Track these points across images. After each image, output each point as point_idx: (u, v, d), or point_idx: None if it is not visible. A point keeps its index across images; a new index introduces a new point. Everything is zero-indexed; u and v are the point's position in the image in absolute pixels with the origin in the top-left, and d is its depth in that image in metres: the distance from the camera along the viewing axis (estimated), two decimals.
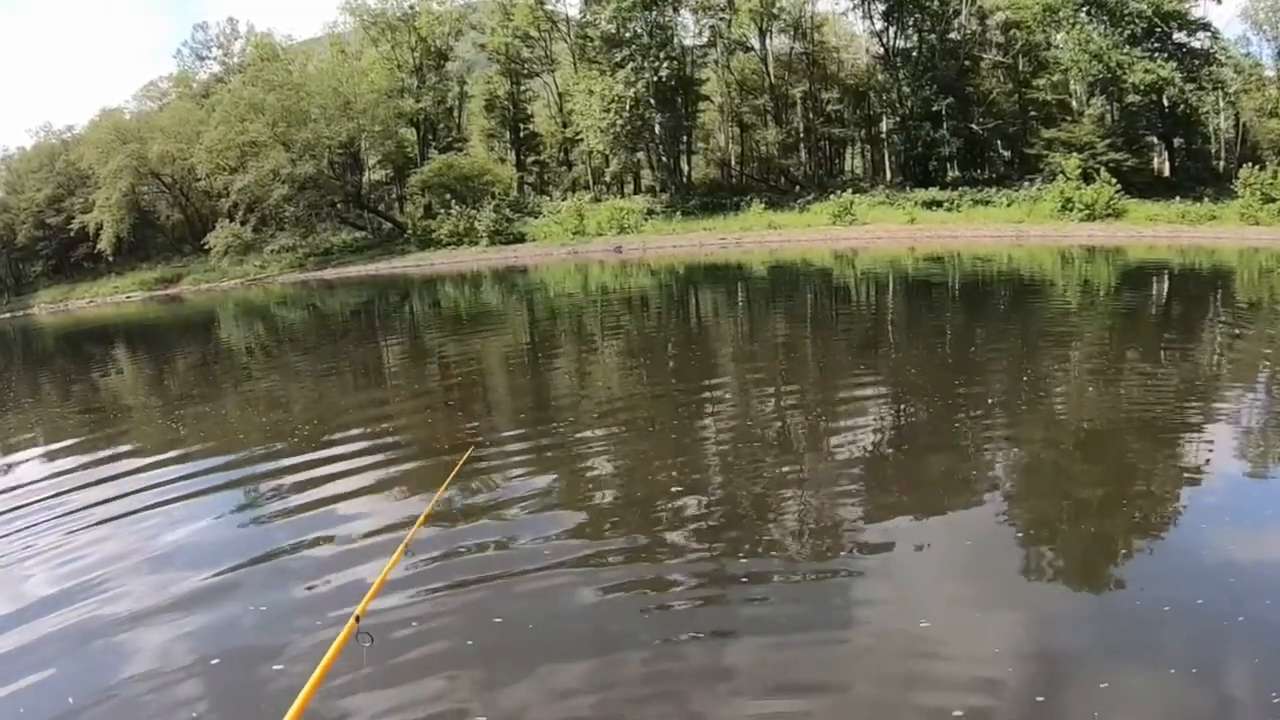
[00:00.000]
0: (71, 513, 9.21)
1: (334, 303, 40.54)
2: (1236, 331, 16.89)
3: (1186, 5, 48.59)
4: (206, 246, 64.51)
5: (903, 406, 11.64)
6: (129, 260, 73.06)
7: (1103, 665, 4.89)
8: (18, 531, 8.78)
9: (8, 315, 66.92)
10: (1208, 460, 8.48)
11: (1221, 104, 52.13)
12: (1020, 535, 6.95)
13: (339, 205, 67.48)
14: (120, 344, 33.95)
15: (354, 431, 12.12)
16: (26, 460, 12.71)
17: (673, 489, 8.54)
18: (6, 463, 12.63)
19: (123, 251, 72.16)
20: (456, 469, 6.09)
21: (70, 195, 74.85)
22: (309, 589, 6.63)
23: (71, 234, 73.78)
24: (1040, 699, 4.60)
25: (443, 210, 58.92)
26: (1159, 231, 40.35)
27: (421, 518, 4.99)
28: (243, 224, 64.03)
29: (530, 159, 71.03)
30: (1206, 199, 42.88)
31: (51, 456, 12.72)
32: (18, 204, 78.92)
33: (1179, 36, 49.34)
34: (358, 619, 3.73)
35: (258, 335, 30.17)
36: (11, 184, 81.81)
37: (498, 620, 5.89)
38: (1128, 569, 6.30)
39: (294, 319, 35.72)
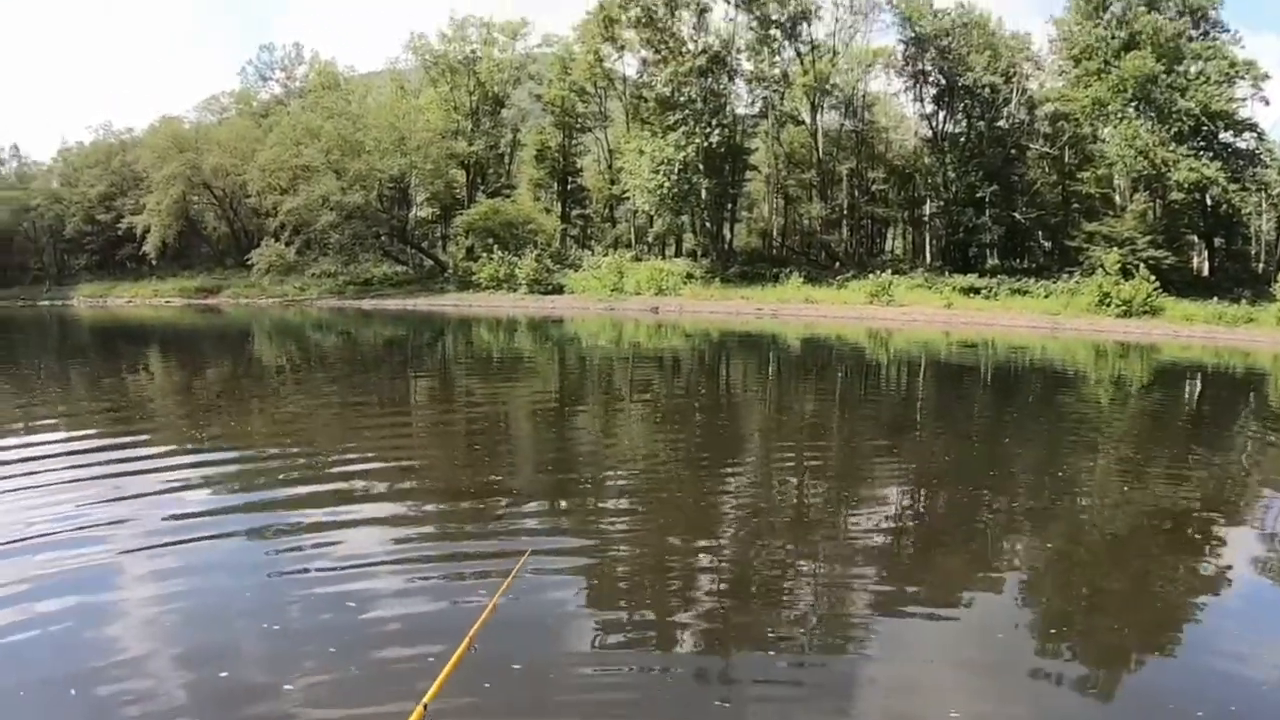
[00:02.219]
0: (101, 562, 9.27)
1: (368, 333, 40.85)
2: (1269, 439, 16.73)
3: (1234, 105, 48.86)
4: (249, 262, 65.43)
5: (928, 493, 11.59)
6: (171, 266, 74.23)
7: None
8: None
9: (46, 303, 68.14)
10: (1231, 569, 8.36)
11: (1264, 205, 52.16)
12: (1044, 632, 6.86)
13: (383, 238, 68.30)
14: (157, 345, 34.36)
15: (380, 483, 12.15)
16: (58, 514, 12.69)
17: (689, 572, 8.43)
18: (41, 491, 12.29)
19: (166, 256, 73.42)
20: (515, 571, 5.94)
21: (122, 195, 76.51)
22: (369, 670, 6.06)
23: (119, 233, 75.26)
24: None
25: (485, 254, 59.54)
26: (1195, 331, 40.13)
27: (485, 613, 4.85)
28: (287, 245, 64.93)
29: (575, 212, 71.76)
30: (1244, 301, 42.76)
31: (79, 468, 12.68)
32: (70, 196, 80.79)
33: (1225, 136, 49.68)
34: (425, 707, 3.60)
35: (290, 357, 30.41)
36: (66, 176, 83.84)
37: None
38: (1153, 678, 6.24)
39: (327, 343, 36.02)
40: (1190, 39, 49.59)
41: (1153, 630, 6.91)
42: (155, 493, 10.29)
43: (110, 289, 73.62)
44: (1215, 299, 43.50)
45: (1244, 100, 49.71)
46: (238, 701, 5.53)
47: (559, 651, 6.42)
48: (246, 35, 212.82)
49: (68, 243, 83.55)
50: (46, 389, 20.54)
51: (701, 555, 8.76)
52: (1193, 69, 48.79)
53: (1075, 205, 54.79)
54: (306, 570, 7.84)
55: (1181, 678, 6.14)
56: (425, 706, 3.59)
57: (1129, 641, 6.70)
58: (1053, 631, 6.88)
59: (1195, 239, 53.12)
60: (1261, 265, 51.63)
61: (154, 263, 73.48)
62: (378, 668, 6.01)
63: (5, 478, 10.82)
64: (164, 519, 9.18)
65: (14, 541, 8.33)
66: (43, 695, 5.62)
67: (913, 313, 46.83)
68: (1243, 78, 49.33)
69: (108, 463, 11.84)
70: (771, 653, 6.41)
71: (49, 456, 12.21)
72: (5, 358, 28.82)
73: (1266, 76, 49.84)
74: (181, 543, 8.46)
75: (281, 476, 11.50)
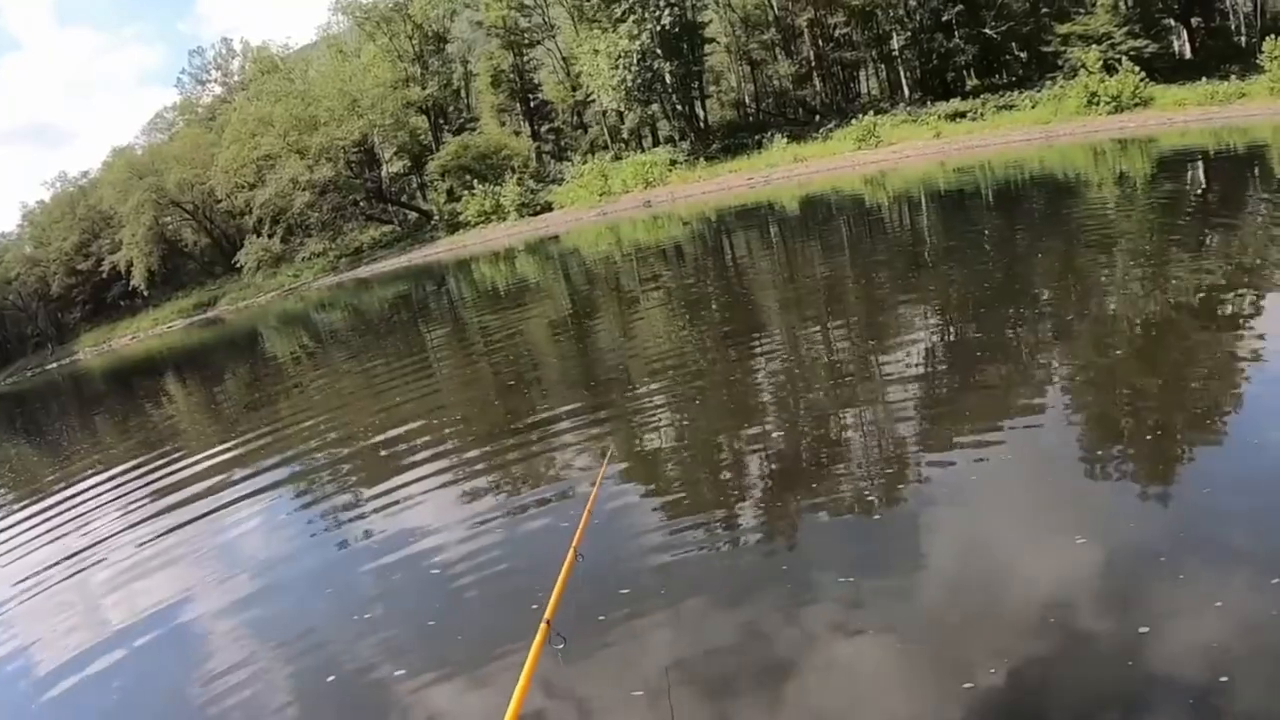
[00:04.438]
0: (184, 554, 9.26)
1: (371, 299, 40.73)
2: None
3: None
4: (238, 265, 65.22)
5: (956, 328, 11.40)
6: (164, 291, 74.11)
7: (1200, 579, 4.68)
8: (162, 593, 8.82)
9: (55, 365, 67.86)
10: (1263, 347, 8.01)
11: None
12: (1094, 445, 6.70)
13: (362, 203, 67.78)
14: (169, 373, 34.42)
15: (418, 431, 12.07)
16: (127, 515, 12.72)
17: (740, 444, 8.49)
18: (121, 516, 12.18)
19: (157, 284, 73.23)
20: (603, 470, 6.16)
21: (96, 239, 76.22)
22: (484, 597, 6.47)
23: (103, 275, 75.12)
24: (1144, 630, 4.35)
25: (466, 192, 58.84)
26: (1189, 115, 39.05)
27: (583, 520, 5.01)
28: (270, 237, 64.64)
29: (544, 128, 70.70)
30: (1233, 77, 41.37)
31: (131, 504, 12.68)
32: (46, 256, 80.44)
33: None
34: (549, 623, 3.67)
35: (302, 343, 30.42)
36: (37, 238, 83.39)
37: (668, 606, 5.70)
38: (1210, 467, 5.99)
39: (334, 320, 35.95)
40: None
41: (1202, 421, 6.72)
42: (204, 499, 10.56)
43: (110, 332, 73.32)
44: (1204, 79, 41.98)
45: None
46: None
47: (653, 548, 6.55)
48: (171, 43, 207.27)
49: (57, 300, 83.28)
50: (76, 445, 20.63)
51: (750, 432, 8.70)
52: None
53: (1044, 10, 52.96)
54: (381, 538, 8.01)
55: (1238, 463, 5.95)
56: (548, 623, 3.67)
57: (1181, 438, 6.52)
58: (1103, 442, 6.72)
59: (1172, 22, 51.54)
60: (1244, 39, 49.84)
61: (146, 294, 73.49)
62: (498, 600, 6.29)
63: (60, 535, 11.00)
64: (221, 531, 9.33)
65: (86, 580, 8.61)
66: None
67: (903, 149, 45.94)
68: None
69: (152, 491, 12.14)
70: (830, 516, 6.42)
71: (98, 504, 12.33)
72: (30, 429, 29.03)
73: None
74: (249, 553, 8.64)
75: (326, 462, 11.52)
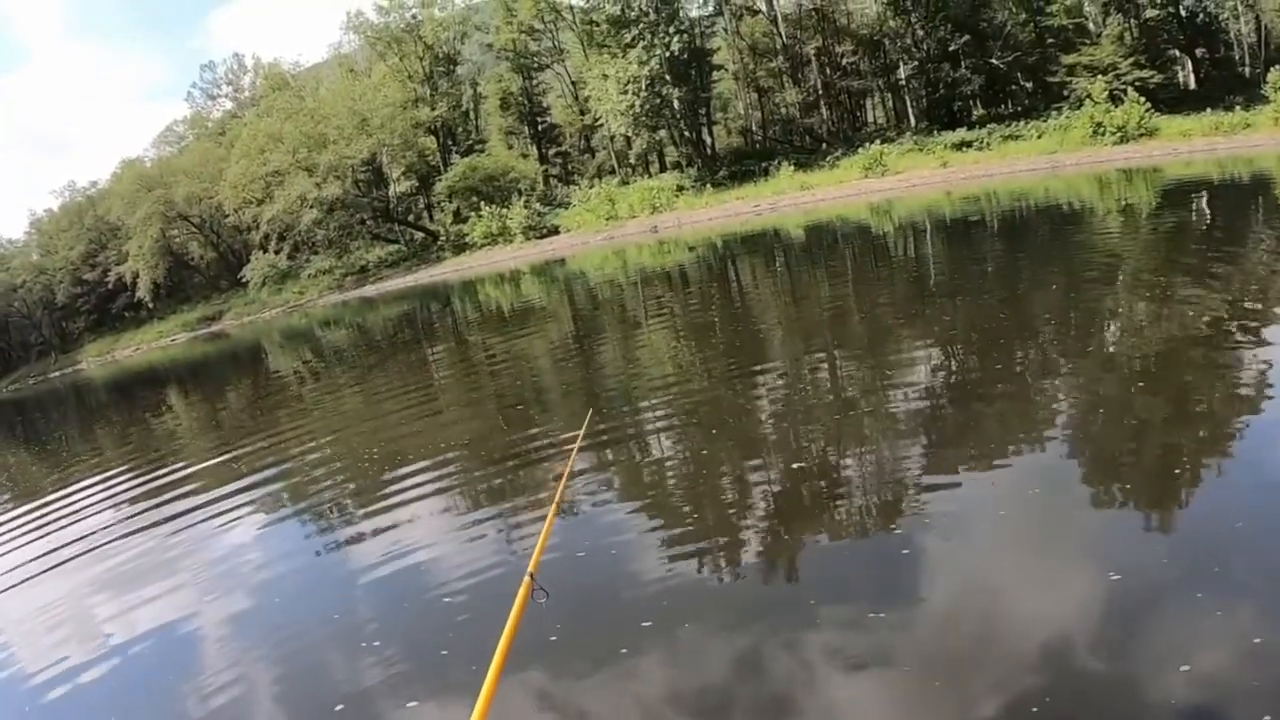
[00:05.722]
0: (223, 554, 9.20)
1: (376, 318, 40.74)
2: None
3: None
4: (244, 280, 65.33)
5: (958, 357, 11.28)
6: (169, 304, 74.22)
7: (1194, 609, 4.63)
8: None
9: (57, 374, 67.87)
10: (1268, 378, 7.92)
11: (1240, 8, 50.80)
12: (1094, 475, 6.61)
13: (369, 222, 67.90)
14: (171, 385, 34.42)
15: (425, 452, 12.04)
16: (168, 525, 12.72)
17: (738, 465, 8.44)
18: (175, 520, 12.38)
19: (162, 296, 73.33)
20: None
21: (103, 249, 76.44)
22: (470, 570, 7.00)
23: (109, 286, 75.28)
24: (1185, 668, 4.26)
25: (473, 213, 58.96)
26: (1195, 146, 39.18)
27: (559, 489, 5.33)
28: (276, 253, 64.76)
29: (552, 151, 71.07)
30: (1238, 107, 41.52)
31: (126, 515, 12.72)
32: (53, 265, 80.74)
33: None
34: (532, 576, 3.77)
35: (305, 360, 30.41)
36: (44, 246, 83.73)
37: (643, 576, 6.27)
38: (1212, 502, 5.91)
39: (338, 338, 35.96)
40: None
41: (1203, 454, 6.62)
42: (204, 521, 10.36)
43: (115, 343, 73.21)
44: (1209, 110, 42.30)
45: None
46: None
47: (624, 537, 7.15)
48: (179, 56, 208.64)
49: (62, 310, 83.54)
50: (77, 455, 20.54)
51: (746, 455, 8.65)
52: None
53: (1050, 41, 53.42)
54: (383, 557, 7.87)
55: (1241, 497, 5.85)
56: (531, 576, 3.78)
57: (1183, 471, 6.42)
58: (1103, 473, 6.62)
59: (1177, 54, 51.87)
60: (1248, 69, 50.13)
61: (151, 306, 73.54)
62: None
63: (54, 550, 10.82)
64: (215, 546, 9.27)
65: (79, 598, 8.49)
66: None
67: (910, 178, 46.05)
68: None
69: (149, 507, 11.98)
70: (826, 537, 6.42)
71: (92, 515, 12.36)
72: (30, 438, 28.95)
73: None
74: (248, 570, 8.43)
75: (328, 479, 11.38)
